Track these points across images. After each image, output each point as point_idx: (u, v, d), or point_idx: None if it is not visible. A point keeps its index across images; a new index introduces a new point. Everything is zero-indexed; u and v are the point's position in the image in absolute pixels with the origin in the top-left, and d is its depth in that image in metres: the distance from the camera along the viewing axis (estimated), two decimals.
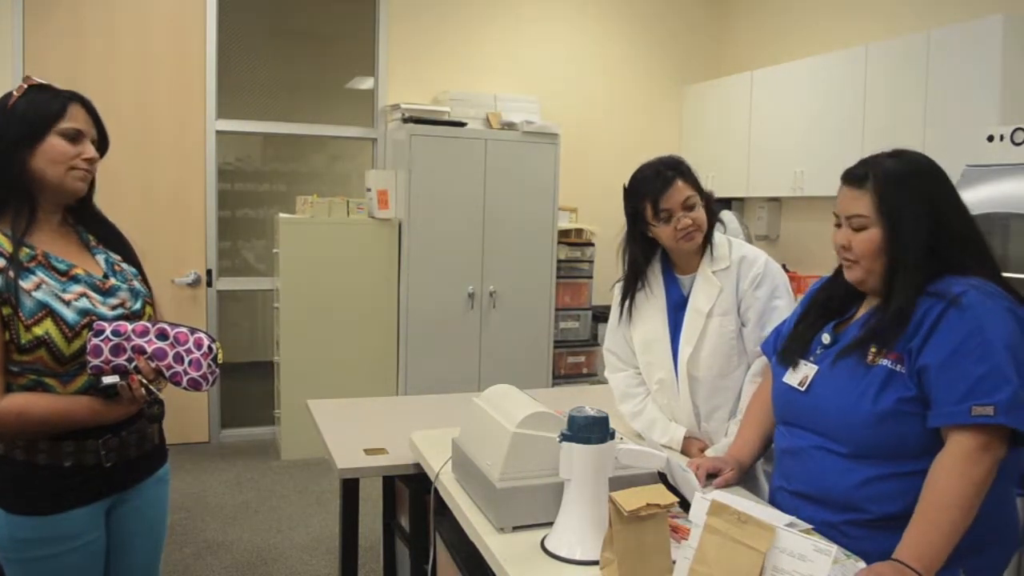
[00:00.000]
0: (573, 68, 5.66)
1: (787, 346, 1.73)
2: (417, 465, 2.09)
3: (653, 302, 2.18)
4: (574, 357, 5.34)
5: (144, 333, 1.58)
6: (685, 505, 1.50)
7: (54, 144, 1.58)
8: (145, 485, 1.75)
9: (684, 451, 2.14)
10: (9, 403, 1.50)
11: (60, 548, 1.58)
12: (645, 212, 2.04)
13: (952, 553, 1.37)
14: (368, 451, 2.23)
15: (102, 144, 1.69)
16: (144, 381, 1.57)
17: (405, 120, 4.70)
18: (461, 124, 4.82)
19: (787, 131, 4.85)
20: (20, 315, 1.49)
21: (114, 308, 1.63)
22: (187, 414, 4.86)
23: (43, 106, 1.58)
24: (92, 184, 1.69)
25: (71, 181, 1.61)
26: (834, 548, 1.18)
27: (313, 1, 5.14)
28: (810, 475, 1.60)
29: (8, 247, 1.52)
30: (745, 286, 2.08)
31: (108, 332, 1.55)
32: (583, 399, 2.09)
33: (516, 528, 1.54)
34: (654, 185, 2.02)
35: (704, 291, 2.09)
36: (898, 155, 1.58)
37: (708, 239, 2.11)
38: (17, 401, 1.51)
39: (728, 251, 2.12)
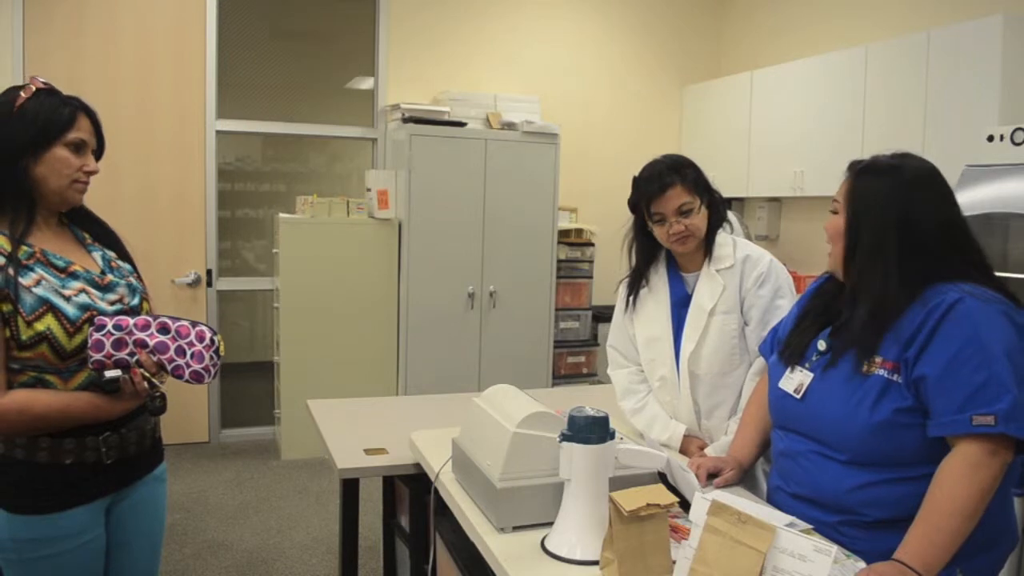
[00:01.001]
0: (573, 68, 5.66)
1: (784, 349, 1.73)
2: (417, 465, 2.09)
3: (657, 299, 2.19)
4: (574, 357, 5.33)
5: (146, 327, 1.58)
6: (685, 505, 1.50)
7: (60, 155, 1.59)
8: (144, 483, 1.76)
9: (683, 449, 2.14)
10: (10, 400, 1.50)
11: (61, 547, 1.58)
12: (643, 212, 2.08)
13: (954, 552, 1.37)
14: (368, 451, 2.23)
15: (99, 152, 1.70)
16: (146, 374, 1.58)
17: (405, 120, 4.70)
18: (461, 124, 4.82)
19: (787, 131, 4.85)
20: (20, 311, 1.50)
21: (113, 304, 1.64)
22: (187, 414, 4.86)
23: (53, 114, 1.58)
24: None
25: (71, 193, 1.63)
26: (834, 548, 1.18)
27: (313, 1, 5.14)
28: (807, 478, 1.61)
29: (7, 246, 1.53)
30: (749, 285, 2.08)
31: (110, 326, 1.55)
32: (583, 399, 2.10)
33: (516, 528, 1.54)
34: (650, 188, 2.03)
35: (708, 289, 2.10)
36: (896, 156, 1.59)
37: (711, 239, 2.12)
38: (18, 398, 1.51)
39: (732, 250, 2.12)
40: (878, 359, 1.50)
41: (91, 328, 1.55)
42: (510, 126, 4.93)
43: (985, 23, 3.66)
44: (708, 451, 2.09)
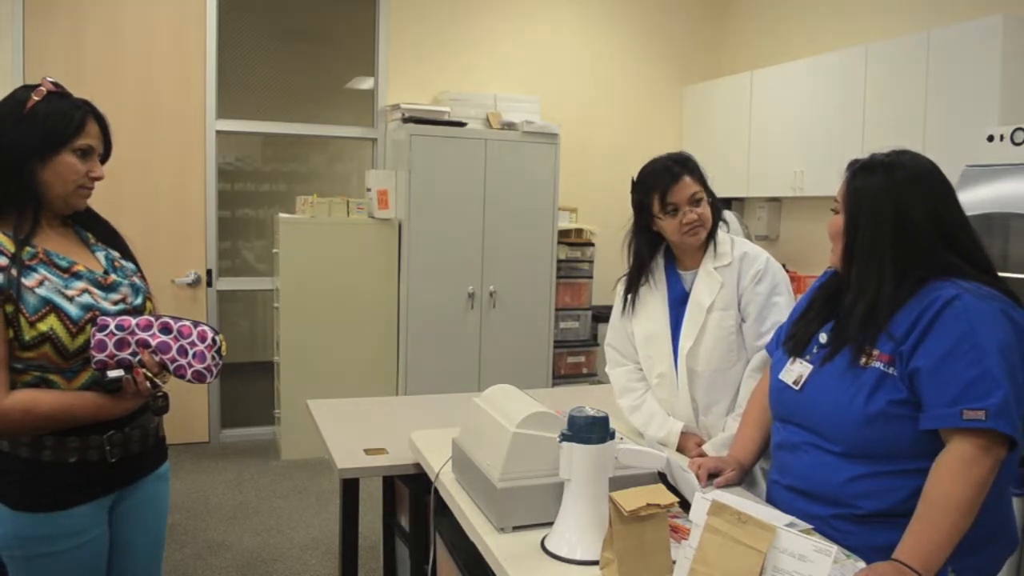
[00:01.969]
0: (573, 68, 5.66)
1: (787, 340, 1.74)
2: (417, 465, 2.09)
3: (655, 297, 2.21)
4: (574, 357, 5.34)
5: (148, 327, 1.59)
6: (685, 505, 1.49)
7: (67, 161, 1.59)
8: (147, 482, 1.76)
9: (681, 446, 2.15)
10: (15, 400, 1.50)
11: (64, 545, 1.58)
12: (652, 205, 2.08)
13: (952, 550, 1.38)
14: (368, 451, 2.23)
15: (106, 157, 1.70)
16: (148, 374, 1.58)
17: (405, 120, 4.70)
18: (461, 124, 4.82)
19: (787, 131, 4.85)
20: (23, 312, 1.50)
21: (116, 303, 1.64)
22: (187, 414, 4.86)
23: (63, 119, 1.58)
24: None
25: (75, 198, 1.64)
26: (834, 548, 1.18)
27: (313, 1, 5.14)
28: (803, 470, 1.62)
29: (10, 247, 1.53)
30: (746, 282, 2.11)
31: (112, 326, 1.55)
32: (583, 399, 2.10)
33: (516, 528, 1.53)
34: (662, 179, 2.06)
35: (706, 286, 2.12)
36: (893, 153, 1.60)
37: (712, 236, 2.14)
38: (22, 398, 1.51)
39: (730, 248, 2.15)
40: (875, 352, 1.51)
41: (93, 328, 1.55)
42: (510, 126, 4.93)
43: (985, 23, 3.66)
44: (706, 448, 2.09)
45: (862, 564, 1.37)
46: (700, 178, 2.09)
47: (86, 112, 1.62)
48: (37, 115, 1.56)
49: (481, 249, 4.87)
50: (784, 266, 5.10)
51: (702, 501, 1.28)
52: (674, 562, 1.31)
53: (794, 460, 1.65)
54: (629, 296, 2.25)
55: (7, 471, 1.57)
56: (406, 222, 4.71)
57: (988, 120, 3.56)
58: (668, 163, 2.08)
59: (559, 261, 5.14)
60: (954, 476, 1.39)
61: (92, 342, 1.54)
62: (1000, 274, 1.58)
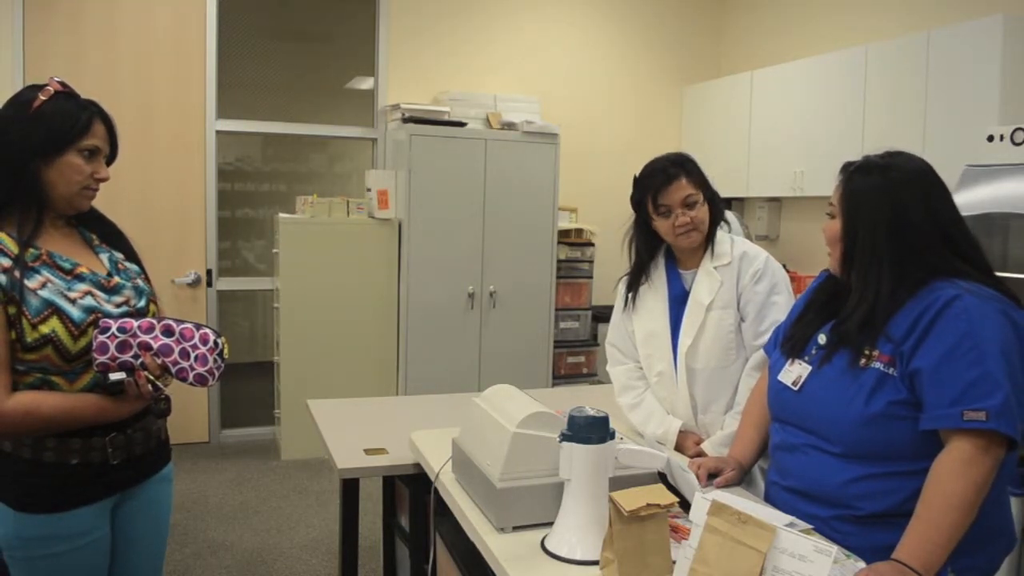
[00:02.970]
0: (573, 68, 5.66)
1: (786, 342, 1.74)
2: (417, 465, 2.09)
3: (655, 295, 2.22)
4: (574, 357, 5.33)
5: (150, 329, 1.58)
6: (685, 505, 1.49)
7: (72, 162, 1.58)
8: (150, 484, 1.76)
9: (679, 444, 2.15)
10: (17, 402, 1.50)
11: (66, 546, 1.58)
12: (647, 205, 2.10)
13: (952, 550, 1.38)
14: (368, 451, 2.23)
15: (112, 156, 1.69)
16: (150, 377, 1.57)
17: (405, 120, 4.70)
18: (461, 124, 4.82)
19: (787, 131, 4.85)
20: (26, 314, 1.50)
21: (119, 306, 1.64)
22: (187, 414, 4.86)
23: (69, 119, 1.57)
24: None
25: (79, 199, 1.63)
26: (834, 548, 1.18)
27: (313, 1, 5.14)
28: (802, 471, 1.62)
29: (13, 248, 1.53)
30: (746, 281, 2.12)
31: (114, 329, 1.55)
32: (583, 399, 2.10)
33: (516, 528, 1.53)
34: (656, 180, 2.08)
35: (705, 285, 2.14)
36: (885, 154, 1.60)
37: (711, 236, 2.15)
38: (24, 399, 1.51)
39: (730, 248, 2.16)
40: (875, 353, 1.51)
41: (95, 330, 1.55)
42: (510, 126, 4.93)
43: (985, 23, 3.66)
44: (705, 446, 2.10)
45: (862, 564, 1.37)
46: (698, 180, 2.10)
47: (93, 113, 1.61)
48: (43, 115, 1.55)
49: (481, 249, 4.87)
50: (784, 266, 5.09)
51: (702, 501, 1.28)
52: (674, 562, 1.31)
53: (793, 461, 1.65)
54: (630, 294, 2.26)
55: (9, 472, 1.56)
56: (406, 222, 4.71)
57: (988, 120, 3.56)
58: (665, 164, 2.09)
59: (559, 261, 5.14)
60: (954, 476, 1.39)
61: (94, 344, 1.54)
62: (1000, 274, 1.58)
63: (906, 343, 1.47)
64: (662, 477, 1.68)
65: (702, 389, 2.14)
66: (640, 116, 5.86)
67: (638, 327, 2.26)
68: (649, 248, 2.21)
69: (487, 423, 1.66)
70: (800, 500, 1.62)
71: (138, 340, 1.56)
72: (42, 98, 1.57)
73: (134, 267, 1.77)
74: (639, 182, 2.13)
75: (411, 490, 2.24)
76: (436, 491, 1.85)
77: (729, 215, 2.30)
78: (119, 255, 1.75)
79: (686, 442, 2.14)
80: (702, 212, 2.09)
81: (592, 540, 1.41)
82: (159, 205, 4.76)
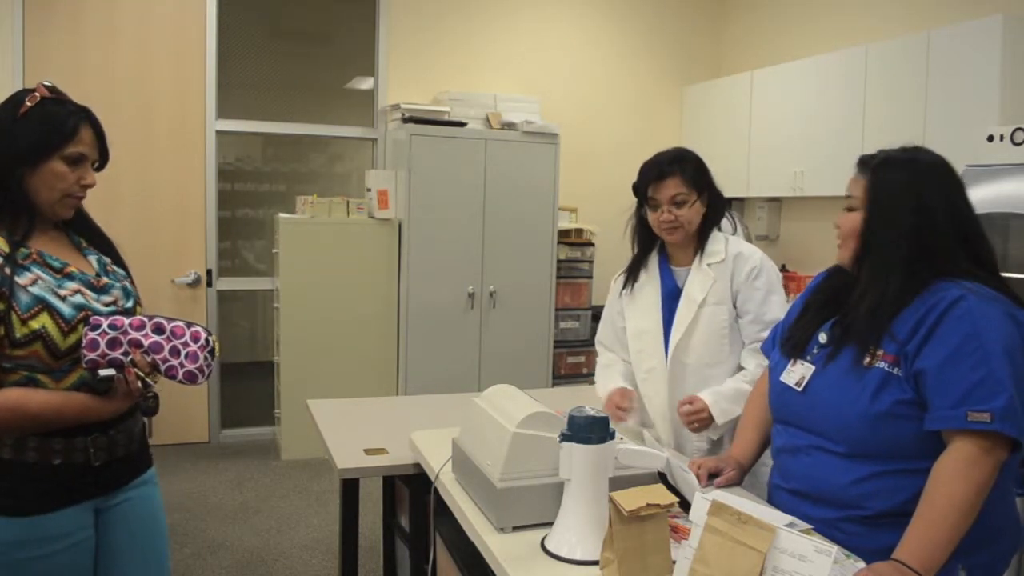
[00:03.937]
0: (573, 68, 5.66)
1: (785, 342, 1.73)
2: (417, 465, 2.09)
3: (648, 292, 2.24)
4: (574, 357, 5.33)
5: (140, 327, 1.57)
6: (685, 505, 1.50)
7: (55, 169, 1.57)
8: (133, 487, 1.73)
9: (609, 399, 2.20)
10: (4, 397, 1.49)
11: (49, 549, 1.55)
12: (643, 196, 2.15)
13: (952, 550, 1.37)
14: (368, 451, 2.23)
15: (102, 161, 1.68)
16: (140, 374, 1.56)
17: (405, 120, 4.70)
18: (461, 124, 4.82)
19: (787, 131, 4.85)
20: (16, 309, 1.49)
21: (107, 305, 1.64)
22: (187, 414, 4.86)
23: (55, 125, 1.56)
24: None
25: (61, 207, 1.62)
26: (834, 548, 1.18)
27: (313, 1, 5.14)
28: (807, 473, 1.61)
29: (5, 247, 1.53)
30: (742, 279, 2.13)
31: (105, 326, 1.54)
32: (583, 399, 2.10)
33: (516, 528, 1.53)
34: (651, 174, 2.11)
35: (698, 281, 2.16)
36: (908, 149, 1.59)
37: (705, 235, 2.17)
38: (12, 395, 1.49)
39: (724, 246, 2.18)
40: (879, 352, 1.51)
41: (86, 327, 1.54)
42: (510, 126, 4.93)
43: (985, 23, 3.66)
44: (705, 395, 2.09)
45: (862, 564, 1.37)
46: (693, 180, 2.11)
47: (80, 119, 1.60)
48: (29, 120, 1.54)
49: (481, 249, 4.87)
50: (784, 266, 5.12)
51: (702, 501, 1.28)
52: (674, 562, 1.31)
53: (797, 463, 1.64)
54: (628, 282, 2.28)
55: None
56: (406, 222, 4.71)
57: (988, 120, 3.56)
58: (663, 159, 2.12)
59: (559, 261, 5.14)
60: (956, 476, 1.38)
61: (84, 341, 1.53)
62: (1000, 274, 1.58)
63: (910, 343, 1.47)
64: (662, 477, 1.69)
65: (691, 385, 2.15)
66: (640, 116, 5.86)
67: (630, 323, 2.28)
68: (644, 240, 2.25)
69: (487, 423, 1.66)
70: (805, 503, 1.61)
71: (128, 337, 1.55)
72: (28, 104, 1.55)
73: (121, 271, 1.77)
74: (640, 171, 2.16)
75: (411, 490, 2.24)
76: (436, 491, 1.85)
77: (731, 216, 2.30)
78: (107, 259, 1.75)
79: (616, 397, 2.19)
80: (690, 212, 2.11)
81: (592, 540, 1.41)
82: (159, 205, 4.76)
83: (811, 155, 4.66)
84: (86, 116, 1.62)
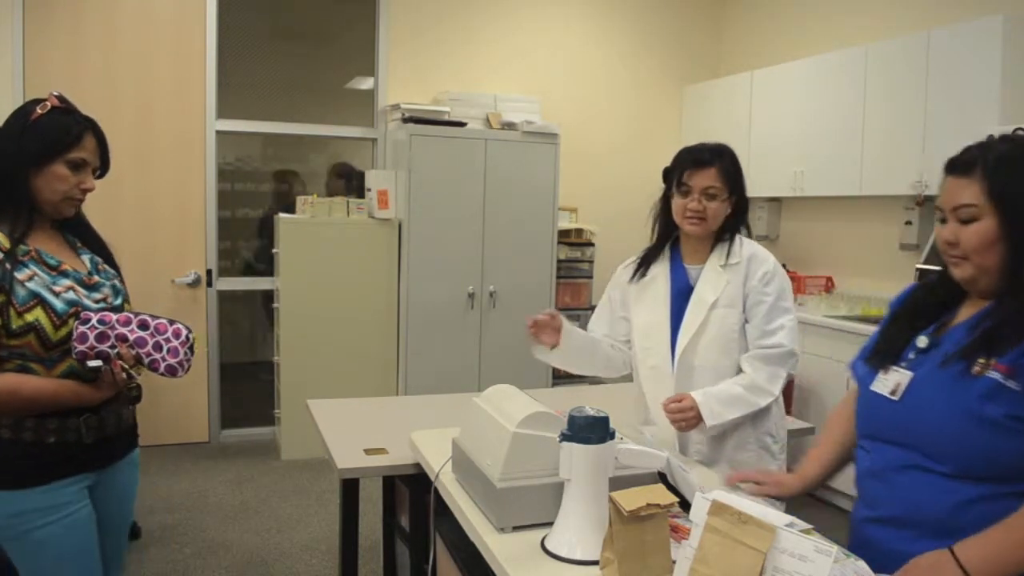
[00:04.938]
0: (573, 68, 5.66)
1: (873, 355, 1.56)
2: (417, 465, 2.09)
3: (658, 288, 2.22)
4: None
5: (127, 323, 1.72)
6: (685, 505, 1.49)
7: (59, 172, 1.71)
8: (120, 466, 1.88)
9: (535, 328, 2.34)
10: (3, 382, 1.63)
11: (52, 517, 1.70)
12: (675, 179, 2.13)
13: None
14: (368, 451, 2.23)
15: (103, 169, 1.82)
16: (125, 366, 1.71)
17: (405, 120, 4.70)
18: (461, 124, 4.82)
19: (787, 131, 4.85)
20: (13, 302, 1.63)
21: (98, 302, 1.78)
22: (187, 414, 4.86)
23: (62, 131, 1.71)
24: None
25: (63, 207, 1.76)
26: (834, 548, 1.18)
27: (313, 1, 5.14)
28: (902, 497, 1.44)
29: (6, 243, 1.67)
30: (755, 282, 2.12)
31: (94, 320, 1.68)
32: (583, 399, 2.10)
33: (516, 528, 1.53)
34: (688, 159, 2.11)
35: (711, 282, 2.13)
36: (1009, 139, 1.44)
37: (722, 236, 2.16)
38: (9, 380, 1.64)
39: (739, 248, 2.16)
40: (992, 361, 1.35)
41: (77, 321, 1.68)
42: (510, 126, 4.93)
43: (985, 23, 3.66)
44: (696, 395, 2.06)
45: (862, 564, 1.36)
46: (730, 176, 2.12)
47: (85, 128, 1.75)
48: (38, 127, 1.69)
49: (481, 249, 4.87)
50: (784, 266, 5.10)
51: (702, 501, 1.28)
52: (674, 562, 1.30)
53: (888, 487, 1.46)
54: (640, 271, 2.25)
55: None
56: (406, 222, 4.71)
57: (988, 120, 3.55)
58: (705, 149, 2.12)
59: (559, 261, 5.14)
60: None
61: (75, 334, 1.67)
62: None
63: None
64: (662, 477, 1.68)
65: (698, 387, 2.12)
66: (640, 116, 5.86)
67: (637, 319, 2.25)
68: (664, 229, 2.22)
69: (487, 423, 1.66)
70: (898, 531, 1.43)
71: (116, 332, 1.70)
72: (39, 111, 1.71)
73: (111, 271, 1.91)
74: (678, 155, 2.15)
75: (411, 490, 2.24)
76: (436, 491, 1.85)
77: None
78: (99, 258, 1.89)
79: (547, 327, 2.32)
80: (719, 208, 2.10)
81: (592, 540, 1.41)
82: (159, 205, 4.76)
83: (811, 155, 4.65)
84: (91, 126, 1.77)
